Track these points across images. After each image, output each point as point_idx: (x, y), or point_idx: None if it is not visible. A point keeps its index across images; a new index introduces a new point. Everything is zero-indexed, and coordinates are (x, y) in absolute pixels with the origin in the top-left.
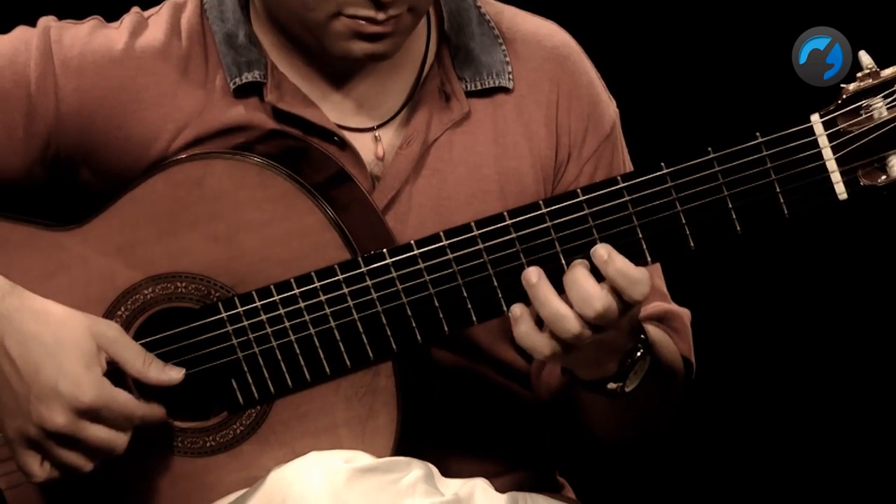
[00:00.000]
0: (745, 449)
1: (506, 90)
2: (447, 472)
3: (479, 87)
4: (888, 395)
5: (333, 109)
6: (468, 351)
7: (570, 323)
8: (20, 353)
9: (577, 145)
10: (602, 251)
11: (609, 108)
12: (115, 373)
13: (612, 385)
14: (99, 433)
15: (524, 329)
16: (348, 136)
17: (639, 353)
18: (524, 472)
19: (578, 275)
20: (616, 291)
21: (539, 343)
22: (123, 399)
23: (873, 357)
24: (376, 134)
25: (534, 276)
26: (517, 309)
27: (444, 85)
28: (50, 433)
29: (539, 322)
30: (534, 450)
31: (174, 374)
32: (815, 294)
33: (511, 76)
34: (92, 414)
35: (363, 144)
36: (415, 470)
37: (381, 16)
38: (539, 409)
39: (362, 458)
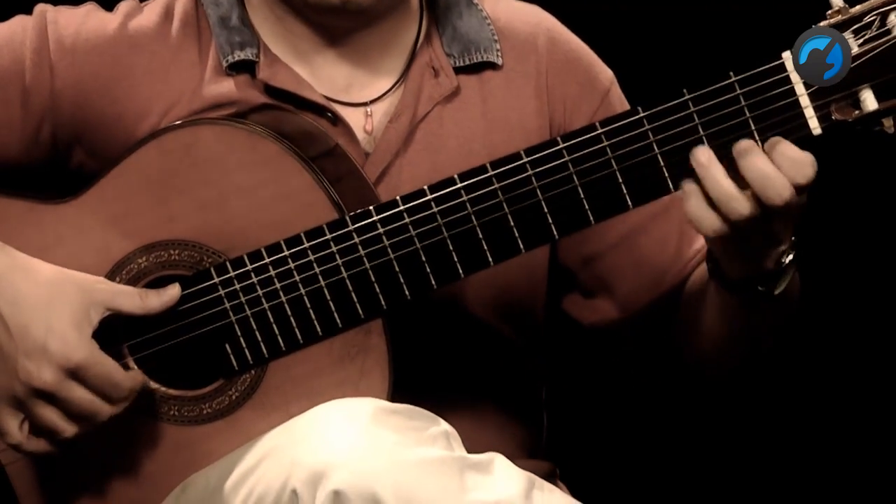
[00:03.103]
0: (745, 448)
1: (494, 66)
2: None
3: (468, 63)
4: (886, 393)
5: (325, 86)
6: (463, 326)
7: (741, 203)
8: (9, 311)
9: (577, 107)
10: (771, 139)
11: (604, 70)
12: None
13: (762, 287)
14: (84, 395)
15: (695, 203)
16: (340, 110)
17: (792, 255)
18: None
19: (755, 155)
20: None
21: (708, 219)
22: (111, 364)
23: (871, 355)
24: (368, 109)
25: (704, 156)
26: (688, 185)
27: (432, 61)
28: (36, 391)
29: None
30: (526, 439)
31: (172, 292)
32: (812, 292)
33: (499, 53)
34: (79, 374)
35: (355, 120)
36: (438, 425)
37: None
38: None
39: (387, 403)
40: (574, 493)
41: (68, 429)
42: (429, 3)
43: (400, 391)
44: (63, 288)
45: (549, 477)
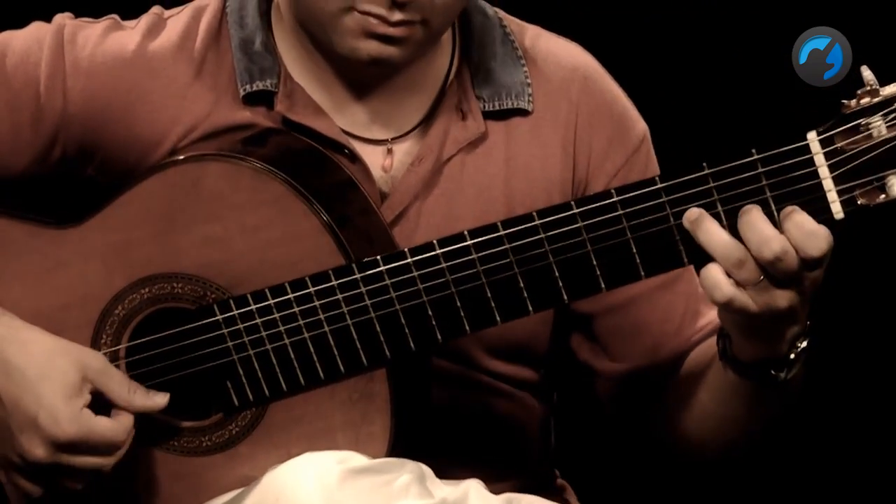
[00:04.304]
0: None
1: (524, 112)
2: (445, 477)
3: (497, 108)
4: (887, 395)
5: (347, 120)
6: (465, 361)
7: (748, 265)
8: (2, 382)
9: (601, 163)
10: (787, 208)
11: (637, 124)
12: None
13: (774, 371)
14: (81, 462)
15: (709, 268)
16: (359, 146)
17: (807, 342)
18: (523, 477)
19: (754, 217)
20: (793, 246)
21: (721, 284)
22: (102, 428)
23: (871, 357)
24: (390, 147)
25: (694, 212)
26: (711, 270)
27: (461, 103)
28: (32, 464)
29: None
30: (532, 456)
31: (159, 400)
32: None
33: (531, 98)
34: (71, 447)
35: (373, 158)
36: (408, 471)
37: (394, 16)
38: (543, 418)
39: (356, 459)
40: (578, 497)
41: (76, 485)
42: (462, 40)
43: (402, 437)
44: (57, 361)
45: (548, 480)
